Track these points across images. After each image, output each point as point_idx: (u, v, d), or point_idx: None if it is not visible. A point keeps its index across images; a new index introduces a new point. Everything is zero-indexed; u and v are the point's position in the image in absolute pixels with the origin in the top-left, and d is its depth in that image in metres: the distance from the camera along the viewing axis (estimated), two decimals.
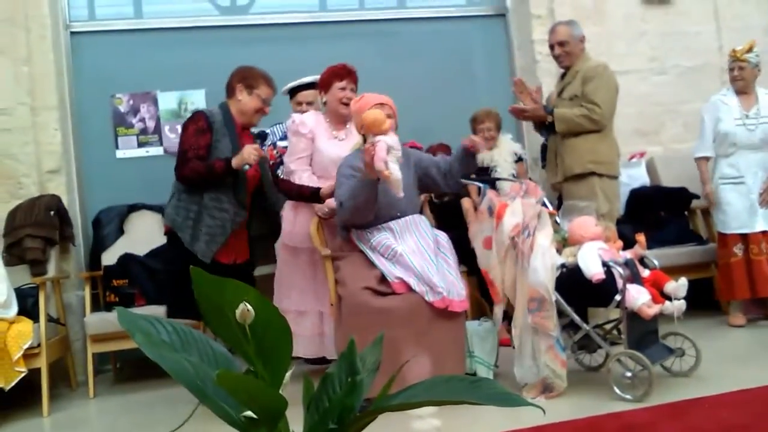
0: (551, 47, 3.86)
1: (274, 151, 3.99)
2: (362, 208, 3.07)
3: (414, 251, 3.10)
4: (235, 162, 3.06)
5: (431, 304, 2.99)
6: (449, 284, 3.07)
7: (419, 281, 3.01)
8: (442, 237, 3.31)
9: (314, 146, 3.48)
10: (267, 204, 3.41)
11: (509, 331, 3.16)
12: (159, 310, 3.67)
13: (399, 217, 3.19)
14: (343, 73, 3.45)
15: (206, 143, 3.11)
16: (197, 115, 3.20)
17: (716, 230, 4.11)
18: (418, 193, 3.38)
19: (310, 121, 3.50)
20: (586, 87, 3.70)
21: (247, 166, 3.09)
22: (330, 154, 3.44)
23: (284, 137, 3.86)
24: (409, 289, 3.01)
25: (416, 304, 2.99)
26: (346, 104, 3.40)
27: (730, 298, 4.02)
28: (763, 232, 3.88)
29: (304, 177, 3.46)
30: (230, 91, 3.24)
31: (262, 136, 3.18)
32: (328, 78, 3.48)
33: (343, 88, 3.44)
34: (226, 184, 3.12)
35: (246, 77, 3.21)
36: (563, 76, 3.94)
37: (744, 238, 3.93)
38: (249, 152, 3.06)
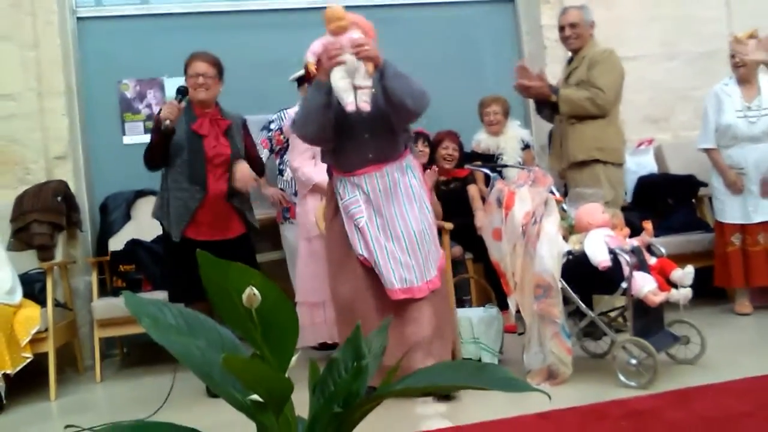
0: (561, 29, 3.82)
1: (281, 136, 4.00)
2: (313, 116, 2.79)
3: (382, 227, 2.87)
4: (160, 118, 3.16)
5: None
6: (418, 262, 2.86)
7: (374, 266, 2.83)
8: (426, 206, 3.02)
9: None
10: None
11: (518, 319, 3.15)
12: (166, 295, 3.69)
13: (371, 162, 2.88)
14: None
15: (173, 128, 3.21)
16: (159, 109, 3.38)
17: (714, 218, 4.10)
18: (396, 134, 2.95)
19: None
20: (591, 72, 3.67)
21: (168, 122, 3.13)
22: None
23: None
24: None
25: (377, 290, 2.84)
26: None
27: (727, 286, 4.04)
28: (761, 224, 3.87)
29: (307, 171, 3.55)
30: None
31: (179, 90, 3.23)
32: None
33: None
34: (183, 163, 3.21)
35: (184, 66, 3.35)
36: (570, 61, 3.91)
37: (742, 228, 3.93)
38: (165, 105, 3.19)
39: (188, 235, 3.21)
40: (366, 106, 2.67)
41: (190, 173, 3.21)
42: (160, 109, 3.26)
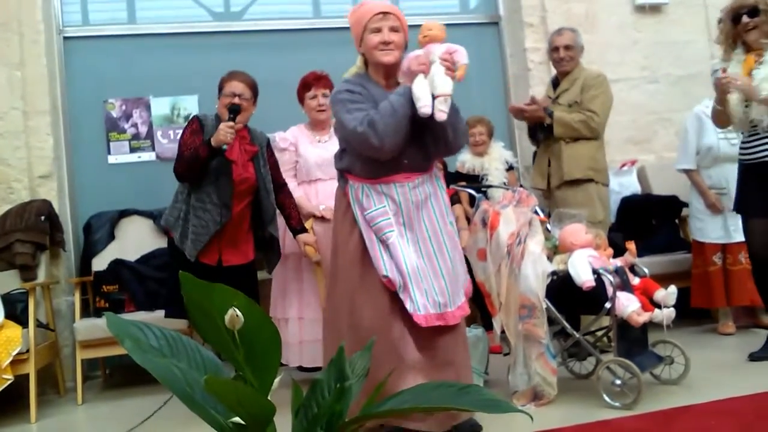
0: (555, 49, 3.86)
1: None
2: (401, 126, 2.46)
3: (413, 243, 2.55)
4: (213, 140, 3.10)
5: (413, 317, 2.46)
6: (452, 285, 2.58)
7: (404, 288, 2.48)
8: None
9: (298, 154, 3.63)
10: (261, 215, 3.33)
11: (503, 339, 3.15)
12: (149, 316, 3.68)
13: (405, 169, 2.58)
14: (310, 82, 3.63)
15: (199, 143, 3.18)
16: (193, 118, 3.35)
17: (692, 238, 4.13)
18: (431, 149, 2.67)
19: (290, 135, 3.67)
20: (585, 95, 3.73)
21: (224, 146, 3.12)
22: (313, 157, 3.60)
23: None
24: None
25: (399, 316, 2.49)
26: (322, 110, 3.58)
27: (707, 306, 4.06)
28: (742, 243, 3.91)
29: (291, 186, 3.57)
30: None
31: (231, 109, 3.21)
32: (300, 91, 3.68)
33: (314, 97, 3.61)
34: (209, 183, 3.17)
35: (219, 85, 3.32)
36: (555, 82, 3.96)
37: (723, 248, 3.97)
38: (221, 129, 3.10)
39: (202, 260, 3.18)
40: (443, 116, 2.45)
41: (216, 196, 3.18)
42: (195, 119, 3.28)
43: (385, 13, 2.55)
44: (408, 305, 2.46)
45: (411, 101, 2.45)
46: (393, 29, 2.55)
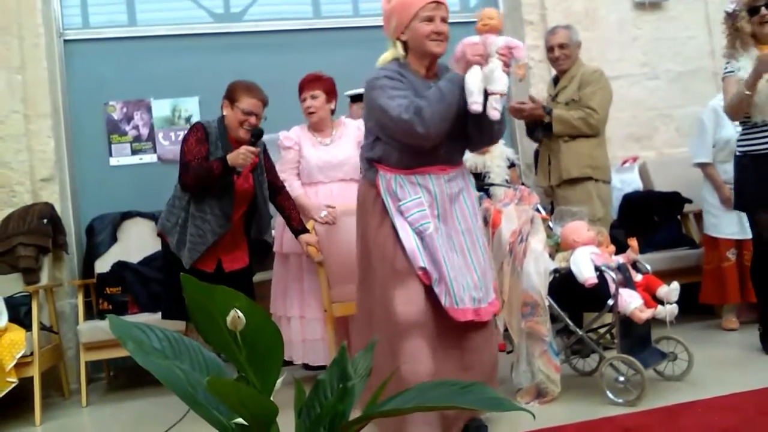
0: (550, 49, 3.86)
1: None
2: (449, 114, 2.40)
3: (447, 237, 2.50)
4: (230, 159, 3.06)
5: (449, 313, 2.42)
6: (484, 280, 2.54)
7: (440, 280, 2.43)
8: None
9: (301, 155, 3.62)
10: (254, 226, 3.34)
11: (506, 337, 3.15)
12: (152, 318, 3.68)
13: (442, 161, 2.53)
14: (301, 84, 3.64)
15: (205, 153, 3.16)
16: (197, 125, 3.26)
17: (706, 233, 4.11)
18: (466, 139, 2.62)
19: (294, 134, 3.66)
20: (582, 91, 3.72)
21: (240, 168, 3.10)
22: (315, 159, 3.59)
23: None
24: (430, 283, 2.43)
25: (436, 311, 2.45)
26: (312, 113, 3.58)
27: (722, 302, 4.03)
28: None
29: (294, 185, 3.56)
30: (222, 106, 3.29)
31: (254, 134, 3.17)
32: (300, 95, 3.67)
33: (304, 99, 3.61)
34: (212, 195, 3.15)
35: (229, 91, 3.25)
36: (555, 80, 3.96)
37: (738, 243, 3.94)
38: (242, 152, 3.06)
39: (198, 266, 3.17)
40: (496, 114, 2.39)
41: (218, 207, 3.16)
42: (203, 136, 3.19)
43: (438, 3, 2.48)
44: (444, 299, 2.41)
45: (461, 90, 2.39)
46: (443, 20, 2.49)
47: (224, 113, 3.25)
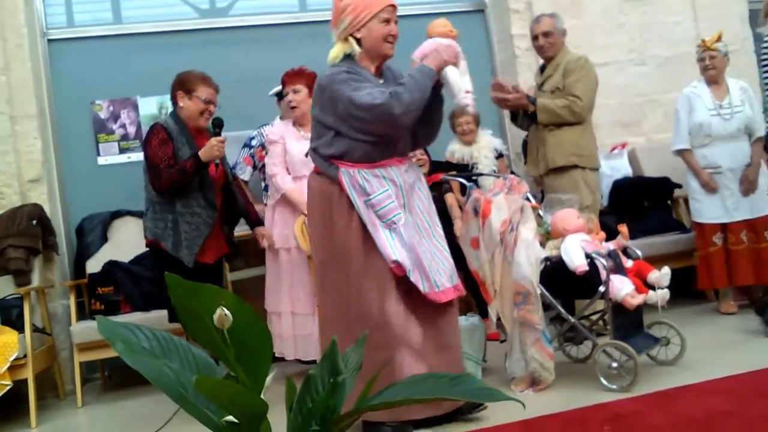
0: (535, 38, 3.86)
1: (263, 152, 4.00)
2: (420, 104, 2.50)
3: (414, 225, 2.60)
4: (203, 155, 3.12)
5: (427, 297, 2.53)
6: (448, 265, 2.66)
7: (416, 269, 2.52)
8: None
9: (285, 149, 3.67)
10: (236, 203, 3.46)
11: (499, 326, 3.15)
12: (145, 317, 3.70)
13: (400, 152, 2.64)
14: (284, 80, 3.70)
15: (171, 152, 3.18)
16: (155, 127, 3.27)
17: (693, 219, 4.11)
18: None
19: (279, 129, 3.73)
20: (567, 79, 3.71)
21: (217, 161, 3.18)
22: (298, 154, 3.61)
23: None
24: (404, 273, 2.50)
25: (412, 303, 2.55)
26: (294, 107, 3.64)
27: (710, 287, 4.05)
28: (743, 222, 3.91)
29: (286, 179, 3.61)
30: (173, 100, 3.32)
31: (217, 124, 3.21)
32: (282, 89, 3.75)
33: (286, 94, 3.68)
34: (194, 188, 3.20)
35: (183, 83, 3.28)
36: (542, 69, 3.95)
37: (723, 227, 3.95)
38: (214, 144, 3.13)
39: (200, 260, 3.21)
40: (474, 109, 2.75)
41: (203, 198, 3.23)
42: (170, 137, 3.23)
43: (394, 6, 2.60)
44: (422, 285, 2.52)
45: (433, 83, 2.54)
46: (396, 22, 2.62)
47: (180, 105, 3.28)
